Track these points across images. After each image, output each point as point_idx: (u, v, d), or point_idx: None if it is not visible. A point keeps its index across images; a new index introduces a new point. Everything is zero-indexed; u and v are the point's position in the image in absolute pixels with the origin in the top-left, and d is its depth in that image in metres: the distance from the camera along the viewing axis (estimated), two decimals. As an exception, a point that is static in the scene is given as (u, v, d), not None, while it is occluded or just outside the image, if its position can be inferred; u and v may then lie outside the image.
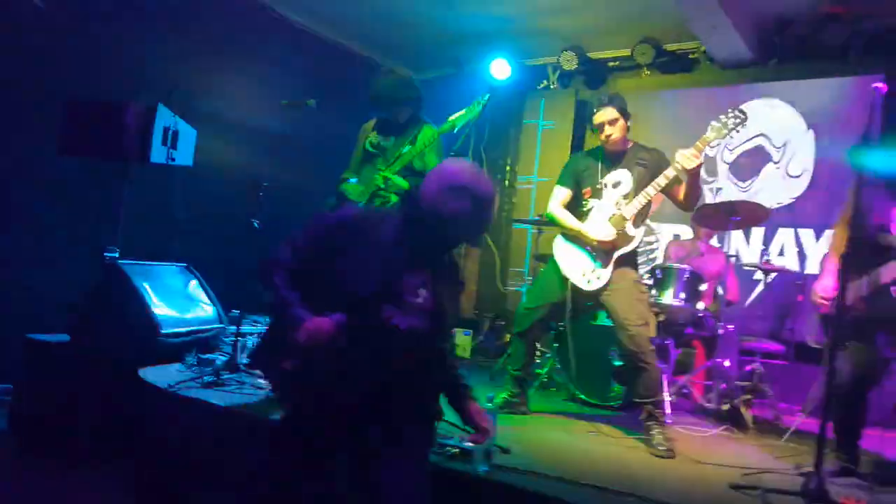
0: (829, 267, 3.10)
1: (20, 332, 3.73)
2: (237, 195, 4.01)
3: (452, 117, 3.68)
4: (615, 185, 3.55)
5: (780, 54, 5.45)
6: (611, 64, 6.34)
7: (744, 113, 3.37)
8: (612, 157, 3.60)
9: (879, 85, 2.50)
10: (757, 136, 5.59)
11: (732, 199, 4.49)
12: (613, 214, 3.47)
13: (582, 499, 2.37)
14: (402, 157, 3.77)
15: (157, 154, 3.83)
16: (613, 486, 2.49)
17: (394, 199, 3.75)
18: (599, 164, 3.62)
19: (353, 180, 3.91)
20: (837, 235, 3.19)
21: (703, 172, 5.66)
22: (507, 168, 6.99)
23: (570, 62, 6.22)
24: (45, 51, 4.19)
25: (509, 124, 6.93)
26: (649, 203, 3.45)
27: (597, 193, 3.58)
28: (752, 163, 5.59)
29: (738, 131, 3.40)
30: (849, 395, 2.88)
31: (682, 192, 3.45)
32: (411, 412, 2.13)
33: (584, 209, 3.61)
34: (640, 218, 3.50)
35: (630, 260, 3.51)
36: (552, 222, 3.76)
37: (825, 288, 3.06)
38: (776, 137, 5.51)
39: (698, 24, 5.12)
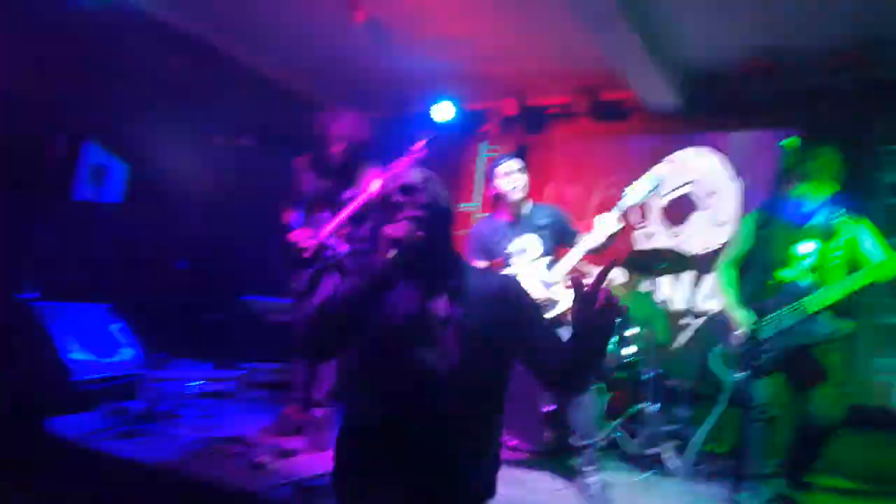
0: (734, 302, 3.39)
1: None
2: (169, 235, 3.93)
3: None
4: (521, 253, 3.60)
5: (709, 106, 5.67)
6: (549, 111, 6.49)
7: (658, 179, 3.51)
8: (514, 224, 3.64)
9: (790, 139, 2.64)
10: (687, 183, 5.78)
11: (659, 247, 4.59)
12: (539, 280, 3.51)
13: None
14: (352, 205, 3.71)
15: (82, 190, 3.72)
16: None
17: None
18: (502, 233, 3.65)
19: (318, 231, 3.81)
20: (727, 277, 3.49)
21: (637, 216, 5.85)
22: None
23: (510, 108, 6.34)
24: None
25: (451, 168, 6.99)
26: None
27: (507, 263, 3.65)
28: (682, 209, 5.75)
29: (653, 195, 3.55)
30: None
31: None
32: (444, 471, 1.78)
33: None
34: (566, 282, 3.56)
35: (559, 322, 3.54)
36: None
37: (742, 322, 3.30)
38: (704, 186, 5.70)
39: (631, 76, 5.29)
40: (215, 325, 5.41)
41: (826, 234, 3.16)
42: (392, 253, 1.72)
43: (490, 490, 1.91)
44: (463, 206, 6.83)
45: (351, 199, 3.66)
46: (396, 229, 1.75)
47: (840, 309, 3.08)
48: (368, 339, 1.83)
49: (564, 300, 3.48)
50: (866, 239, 3.12)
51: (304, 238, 3.73)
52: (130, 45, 4.86)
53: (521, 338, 1.88)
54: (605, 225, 3.34)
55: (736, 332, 3.32)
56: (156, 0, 5.07)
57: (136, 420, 3.34)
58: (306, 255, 3.68)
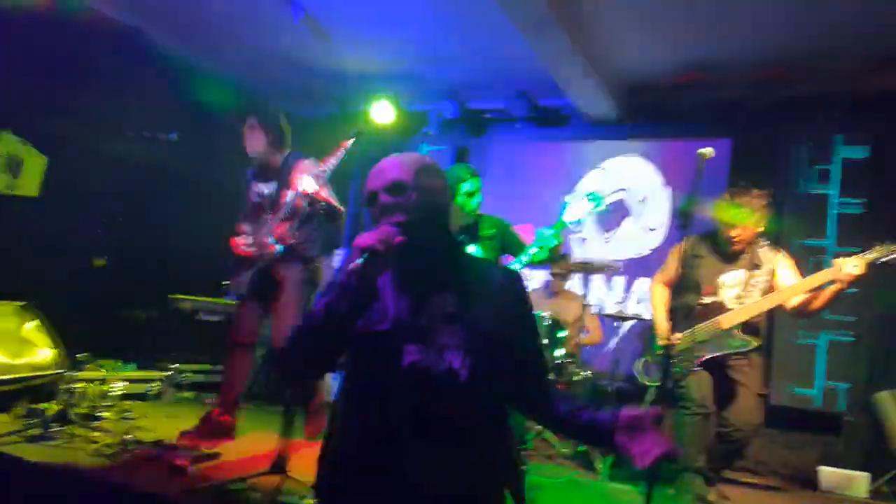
0: (662, 317, 3.60)
1: None
2: (89, 229, 3.77)
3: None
4: None
5: (642, 115, 5.84)
6: (489, 115, 6.55)
7: (600, 198, 3.57)
8: (457, 233, 3.67)
9: (705, 149, 2.74)
10: (619, 190, 5.93)
11: (587, 259, 4.67)
12: None
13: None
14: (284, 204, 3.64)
15: (-6, 183, 3.54)
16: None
17: None
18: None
19: (258, 233, 3.74)
20: (657, 294, 3.68)
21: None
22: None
23: (449, 111, 6.38)
24: None
25: (391, 167, 6.97)
26: None
27: None
28: (614, 215, 5.90)
29: (590, 214, 3.60)
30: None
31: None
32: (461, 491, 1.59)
33: None
34: None
35: None
36: None
37: (666, 331, 3.50)
38: (636, 193, 5.87)
39: (567, 84, 5.40)
40: (140, 324, 5.24)
41: (750, 265, 3.42)
42: (356, 263, 1.56)
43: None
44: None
45: (287, 199, 3.61)
46: (365, 238, 1.57)
47: (750, 327, 3.37)
48: (358, 352, 1.67)
49: None
50: (783, 269, 3.40)
51: (243, 240, 3.73)
52: (53, 35, 4.67)
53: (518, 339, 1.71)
54: (545, 238, 3.41)
55: (658, 343, 3.56)
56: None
57: (50, 422, 3.18)
58: (246, 255, 3.69)
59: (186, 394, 4.89)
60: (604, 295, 5.82)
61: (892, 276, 4.54)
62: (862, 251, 3.14)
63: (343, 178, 6.51)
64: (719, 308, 3.42)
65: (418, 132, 6.87)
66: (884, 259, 3.27)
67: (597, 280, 5.82)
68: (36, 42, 4.58)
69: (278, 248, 3.62)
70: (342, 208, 3.66)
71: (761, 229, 3.46)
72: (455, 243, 1.82)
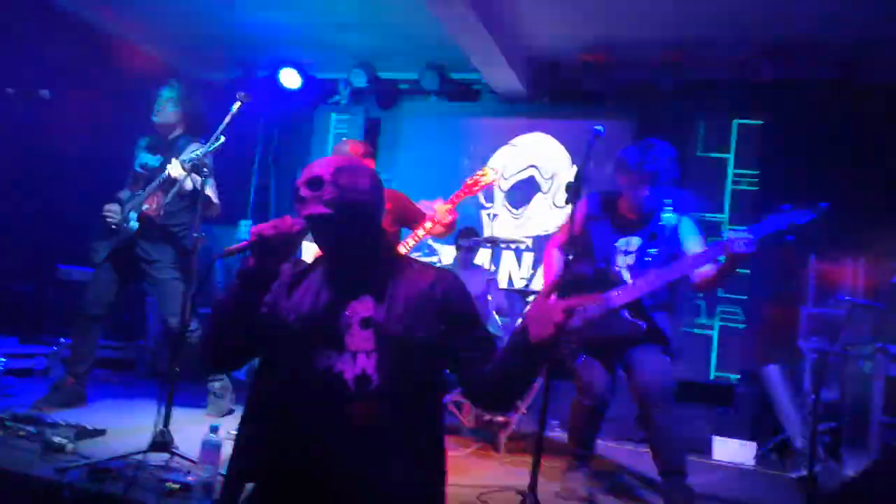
0: (545, 290, 3.22)
1: None
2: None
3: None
4: None
5: (550, 94, 5.90)
6: (401, 86, 6.45)
7: (495, 171, 3.64)
8: None
9: (598, 128, 2.76)
10: (529, 167, 5.99)
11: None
12: None
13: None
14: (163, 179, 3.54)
15: None
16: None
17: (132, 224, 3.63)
18: None
19: (125, 206, 3.66)
20: (551, 258, 3.31)
21: (481, 198, 5.99)
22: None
23: (359, 80, 6.22)
24: None
25: (300, 136, 6.77)
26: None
27: None
28: (524, 192, 5.96)
29: (490, 189, 3.58)
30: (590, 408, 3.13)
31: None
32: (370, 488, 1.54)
33: None
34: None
35: None
36: None
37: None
38: (545, 169, 5.95)
39: (476, 58, 5.37)
40: (23, 297, 4.91)
41: (648, 230, 3.10)
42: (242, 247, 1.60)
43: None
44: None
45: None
46: (260, 226, 1.59)
47: (639, 307, 3.02)
48: (272, 347, 1.66)
49: None
50: (688, 236, 3.06)
51: (113, 208, 3.66)
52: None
53: (451, 345, 1.67)
54: (441, 214, 3.42)
55: None
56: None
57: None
58: (110, 225, 3.66)
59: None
60: (513, 270, 5.89)
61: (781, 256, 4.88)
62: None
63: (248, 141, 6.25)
64: (614, 280, 3.12)
65: (327, 101, 6.69)
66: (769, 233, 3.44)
67: (507, 256, 5.88)
68: None
69: (132, 224, 3.60)
70: (216, 200, 3.63)
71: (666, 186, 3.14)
72: (380, 244, 1.76)
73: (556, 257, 3.31)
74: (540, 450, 2.54)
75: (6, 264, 4.62)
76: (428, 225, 3.48)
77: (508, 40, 5.17)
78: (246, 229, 6.58)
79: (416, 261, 1.82)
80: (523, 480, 2.66)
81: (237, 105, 3.02)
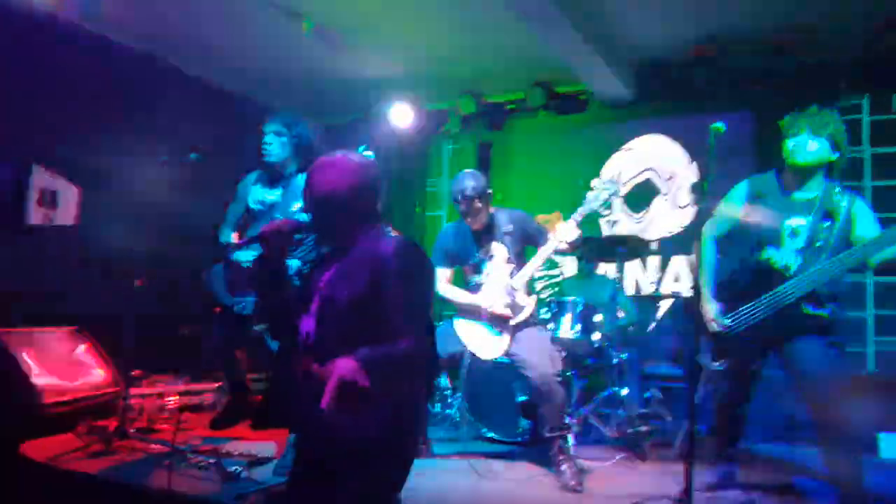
0: (707, 289, 3.01)
1: None
2: (126, 253, 3.91)
3: None
4: (490, 258, 3.68)
5: (658, 94, 5.79)
6: (508, 107, 6.57)
7: (615, 183, 3.57)
8: (478, 231, 3.72)
9: (717, 125, 2.71)
10: (646, 170, 5.89)
11: (617, 234, 4.65)
12: (504, 286, 3.58)
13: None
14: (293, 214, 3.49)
15: (34, 215, 3.70)
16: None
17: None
18: (470, 239, 3.73)
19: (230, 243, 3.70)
20: (707, 250, 3.09)
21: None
22: (417, 210, 7.08)
23: (468, 106, 6.41)
24: None
25: (414, 168, 7.05)
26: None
27: (476, 269, 3.73)
28: (643, 195, 5.87)
29: (611, 201, 3.58)
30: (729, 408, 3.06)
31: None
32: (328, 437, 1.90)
33: (473, 283, 3.75)
34: (529, 286, 3.65)
35: (526, 325, 3.61)
36: (445, 301, 3.84)
37: (713, 318, 2.97)
38: (663, 171, 5.83)
39: (580, 70, 5.39)
40: (190, 339, 5.36)
41: (819, 211, 2.86)
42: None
43: (371, 438, 1.89)
44: (429, 214, 6.91)
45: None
46: (264, 227, 2.10)
47: (821, 297, 2.81)
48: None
49: (528, 306, 3.58)
50: (863, 218, 2.86)
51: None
52: (74, 64, 4.83)
53: (374, 306, 1.91)
54: (565, 232, 3.45)
55: (708, 325, 3.02)
56: (99, 18, 5.06)
57: (110, 438, 3.32)
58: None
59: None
60: (639, 276, 5.79)
61: None
62: None
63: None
64: (778, 270, 2.87)
65: (438, 130, 6.92)
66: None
67: (631, 263, 5.77)
68: (55, 75, 4.74)
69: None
70: None
71: (833, 159, 2.94)
72: (356, 223, 2.06)
73: (712, 249, 3.11)
74: (692, 455, 2.50)
75: (176, 310, 5.13)
76: (552, 244, 3.53)
77: (610, 47, 5.15)
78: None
79: (391, 236, 2.04)
80: (673, 488, 2.64)
81: (363, 150, 3.23)
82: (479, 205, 3.59)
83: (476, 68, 5.96)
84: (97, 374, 3.99)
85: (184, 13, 5.04)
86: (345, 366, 1.73)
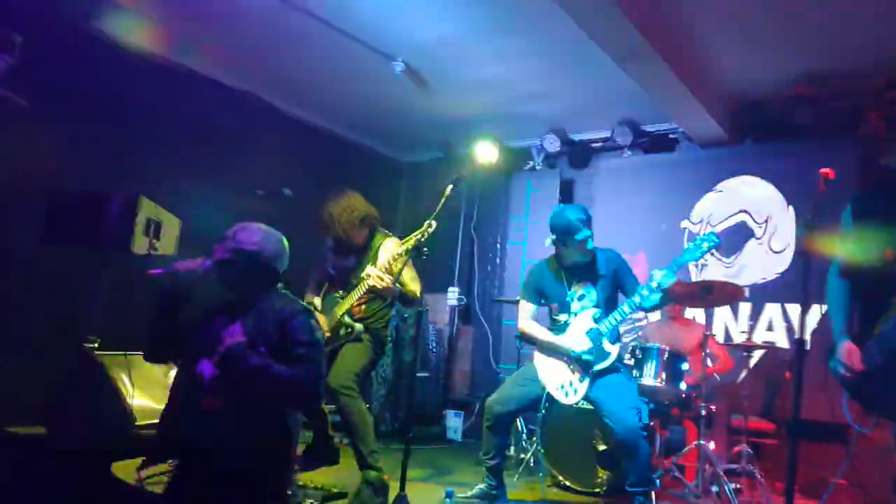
0: (840, 328, 2.62)
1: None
2: (217, 285, 4.06)
3: (408, 240, 3.33)
4: (580, 298, 3.58)
5: (754, 134, 5.58)
6: (593, 145, 6.50)
7: (717, 237, 3.38)
8: (572, 269, 3.62)
9: (826, 171, 2.56)
10: (739, 212, 5.66)
11: (705, 279, 4.45)
12: (590, 329, 3.49)
13: None
14: (361, 282, 3.51)
15: (139, 244, 3.91)
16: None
17: (358, 327, 3.57)
18: (562, 278, 3.64)
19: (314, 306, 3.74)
20: (834, 291, 2.74)
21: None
22: (498, 246, 7.07)
23: (552, 144, 6.39)
24: (27, 141, 4.26)
25: (498, 204, 7.06)
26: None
27: (564, 308, 3.62)
28: (735, 239, 5.62)
29: (711, 254, 3.42)
30: None
31: None
32: (225, 462, 2.24)
33: (559, 323, 3.64)
34: (615, 333, 3.52)
35: (609, 372, 3.49)
36: (526, 339, 3.77)
37: (849, 352, 2.51)
38: (757, 214, 5.57)
39: (671, 107, 5.28)
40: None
41: None
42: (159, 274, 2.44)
43: (260, 473, 2.34)
44: (510, 244, 6.87)
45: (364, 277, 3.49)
46: (182, 263, 2.45)
47: None
48: (182, 354, 2.47)
49: (613, 353, 3.47)
50: None
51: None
52: (175, 103, 5.14)
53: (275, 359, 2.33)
54: (660, 280, 3.31)
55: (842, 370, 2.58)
56: (204, 59, 5.39)
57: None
58: None
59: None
60: (729, 323, 5.53)
61: None
62: None
63: (454, 215, 6.58)
64: None
65: (522, 168, 6.92)
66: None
67: (721, 309, 5.53)
68: (159, 111, 5.05)
69: (358, 327, 3.57)
70: (417, 293, 3.57)
71: None
72: (261, 282, 2.49)
73: (841, 288, 2.73)
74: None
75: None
76: (627, 310, 3.41)
77: (705, 86, 5.03)
78: (453, 295, 6.93)
79: (288, 298, 2.53)
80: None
81: (450, 188, 3.25)
82: (583, 240, 3.50)
83: (562, 105, 5.95)
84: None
85: (282, 56, 5.31)
86: (234, 337, 2.27)
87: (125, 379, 3.77)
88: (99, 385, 3.68)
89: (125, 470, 3.33)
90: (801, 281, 2.59)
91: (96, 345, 3.85)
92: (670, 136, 6.09)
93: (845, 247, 2.74)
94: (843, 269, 2.73)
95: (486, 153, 6.50)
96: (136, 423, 3.65)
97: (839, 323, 2.64)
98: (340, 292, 3.66)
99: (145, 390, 3.84)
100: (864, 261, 2.60)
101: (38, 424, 3.73)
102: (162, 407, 3.86)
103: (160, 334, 2.46)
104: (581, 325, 3.53)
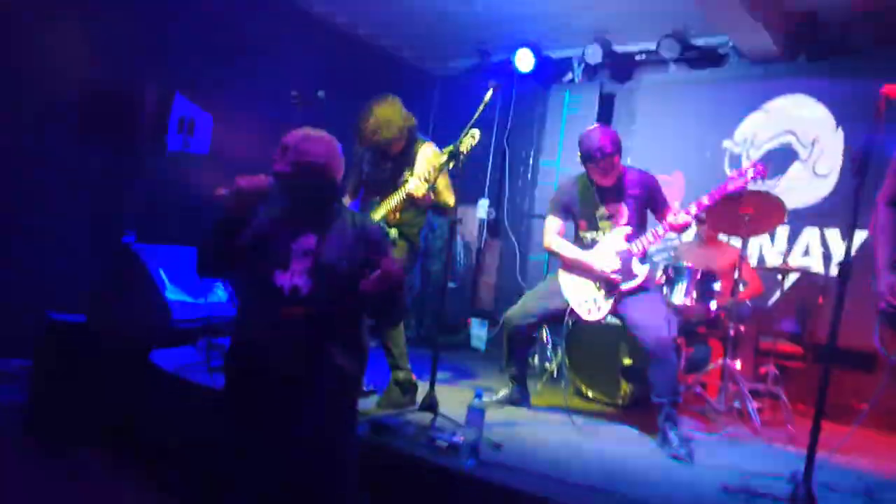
0: (882, 258, 2.60)
1: (40, 310, 3.85)
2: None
3: (448, 149, 3.33)
4: (609, 217, 3.51)
5: (809, 51, 5.28)
6: (637, 58, 6.22)
7: (765, 167, 3.32)
8: (603, 188, 3.54)
9: (888, 89, 2.41)
10: (785, 133, 5.44)
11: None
12: (620, 250, 3.44)
13: (567, 498, 2.37)
14: (398, 189, 3.46)
15: (174, 141, 3.90)
16: (601, 486, 2.48)
17: (393, 233, 3.53)
18: (593, 195, 3.56)
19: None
20: (881, 218, 2.70)
21: (725, 168, 5.61)
22: (530, 161, 6.95)
23: (594, 55, 6.12)
24: (62, 37, 4.19)
25: (533, 116, 6.88)
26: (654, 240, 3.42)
27: (593, 226, 3.56)
28: (778, 161, 5.44)
29: (755, 184, 3.30)
30: None
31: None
32: (314, 369, 2.19)
33: (586, 240, 3.60)
34: (645, 254, 3.47)
35: (637, 290, 3.45)
36: (552, 253, 3.72)
37: (891, 286, 2.52)
38: (804, 135, 5.36)
39: (724, 19, 4.99)
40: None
41: None
42: (224, 195, 2.24)
43: (350, 383, 2.35)
44: (543, 164, 6.74)
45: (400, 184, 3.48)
46: (243, 180, 2.21)
47: None
48: (245, 267, 2.29)
49: (641, 275, 3.43)
50: None
51: None
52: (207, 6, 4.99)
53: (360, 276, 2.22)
54: (684, 217, 3.26)
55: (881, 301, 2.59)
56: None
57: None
58: None
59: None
60: (765, 245, 5.44)
61: None
62: None
63: (486, 126, 6.47)
64: None
65: (560, 80, 6.69)
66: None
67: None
68: (192, 9, 4.91)
69: (392, 233, 3.53)
70: (451, 202, 3.54)
71: None
72: (328, 195, 2.34)
73: (888, 216, 2.69)
74: (816, 437, 2.33)
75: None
76: (661, 231, 3.35)
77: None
78: (483, 208, 6.89)
79: (353, 213, 2.42)
80: (783, 468, 2.51)
81: (489, 94, 3.15)
82: (607, 167, 3.43)
83: (606, 14, 5.66)
84: (219, 294, 4.23)
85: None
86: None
87: (161, 272, 3.85)
88: (137, 278, 3.76)
89: (164, 358, 3.47)
90: (848, 204, 2.49)
91: (133, 238, 3.91)
92: (719, 50, 5.79)
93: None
94: (892, 197, 2.66)
95: (524, 61, 6.29)
96: (173, 317, 3.75)
97: (885, 253, 2.58)
98: (377, 198, 3.61)
99: (181, 284, 3.93)
100: None
101: (80, 313, 3.85)
102: (199, 301, 4.01)
103: (220, 252, 2.29)
104: (611, 243, 3.49)
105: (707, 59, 5.87)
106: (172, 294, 3.81)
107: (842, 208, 5.14)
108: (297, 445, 2.18)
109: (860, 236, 4.86)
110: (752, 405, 3.86)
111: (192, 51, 4.90)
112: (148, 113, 3.78)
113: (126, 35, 4.56)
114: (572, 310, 3.53)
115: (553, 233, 3.67)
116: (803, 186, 5.33)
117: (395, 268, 2.11)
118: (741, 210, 3.96)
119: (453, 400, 3.23)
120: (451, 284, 6.38)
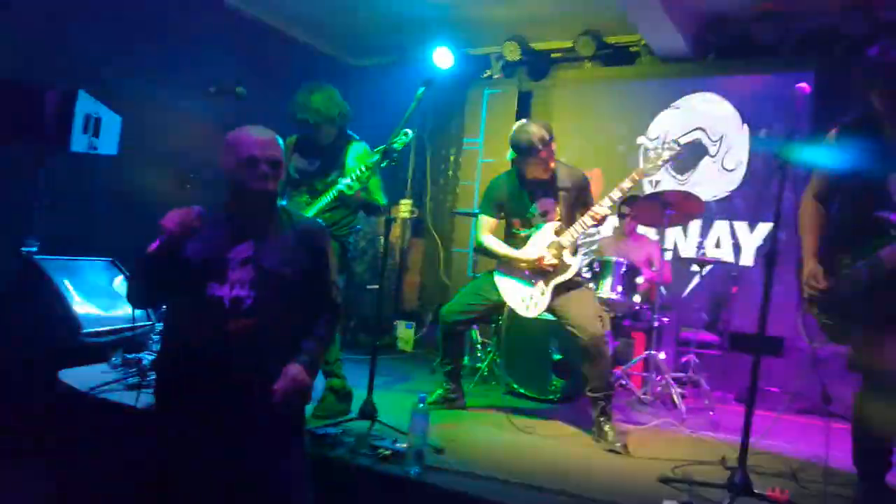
0: (808, 248, 2.63)
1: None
2: (164, 186, 3.84)
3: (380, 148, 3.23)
4: (542, 215, 3.54)
5: (716, 50, 5.54)
6: (554, 55, 6.34)
7: (679, 144, 3.37)
8: (534, 184, 3.56)
9: (802, 85, 2.52)
10: (695, 129, 5.68)
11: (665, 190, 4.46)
12: (551, 243, 3.47)
13: (514, 499, 2.36)
14: (328, 188, 3.34)
15: (78, 142, 3.62)
16: (545, 485, 2.48)
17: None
18: (524, 193, 3.58)
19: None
20: (807, 212, 2.71)
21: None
22: (451, 158, 6.94)
23: (512, 52, 6.18)
24: None
25: (452, 113, 6.87)
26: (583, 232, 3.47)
27: (526, 224, 3.59)
28: (689, 156, 5.67)
29: (672, 163, 3.40)
30: None
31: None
32: (257, 382, 2.05)
33: (520, 238, 3.61)
34: (575, 246, 3.52)
35: (570, 284, 3.50)
36: (485, 252, 3.72)
37: (814, 274, 2.55)
38: (713, 131, 5.61)
39: (638, 19, 5.15)
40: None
41: None
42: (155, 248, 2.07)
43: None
44: (464, 161, 6.74)
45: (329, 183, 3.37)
46: (168, 225, 2.06)
47: None
48: (180, 281, 2.12)
49: (574, 266, 3.48)
50: None
51: None
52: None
53: (306, 281, 2.19)
54: (606, 208, 3.33)
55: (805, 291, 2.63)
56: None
57: (146, 371, 3.31)
58: None
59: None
60: (680, 240, 5.66)
61: None
62: None
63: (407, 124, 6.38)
64: None
65: (479, 77, 6.71)
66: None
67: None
68: (97, 2, 4.59)
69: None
70: (384, 202, 3.47)
71: None
72: (266, 202, 2.21)
73: (814, 210, 2.70)
74: (749, 424, 2.42)
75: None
76: (589, 221, 3.40)
77: (674, -2, 4.90)
78: (406, 208, 6.81)
79: (289, 212, 2.29)
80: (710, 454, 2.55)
81: (421, 91, 3.09)
82: (545, 157, 3.44)
83: (523, 13, 5.72)
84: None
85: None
86: (295, 373, 2.05)
87: (68, 284, 3.57)
88: (41, 291, 3.47)
89: (75, 377, 3.21)
90: (753, 198, 2.61)
91: (35, 248, 3.60)
92: (632, 48, 5.98)
93: (826, 175, 2.68)
94: (817, 192, 2.71)
95: (442, 60, 6.26)
96: (83, 331, 3.49)
97: (811, 244, 2.64)
98: (305, 197, 3.48)
99: (90, 296, 3.66)
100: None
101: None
102: (110, 314, 3.75)
103: (153, 285, 2.14)
104: (542, 238, 3.52)
105: (621, 56, 6.05)
106: (81, 307, 3.54)
107: (748, 202, 5.43)
108: (242, 464, 2.05)
109: (766, 228, 5.18)
110: (678, 394, 4.00)
111: (98, 46, 4.56)
112: (49, 112, 3.48)
113: (23, 27, 4.19)
114: (507, 306, 3.56)
115: (486, 231, 3.66)
116: (713, 181, 5.59)
117: (303, 377, 2.06)
118: (665, 203, 4.11)
119: (389, 405, 3.17)
120: (372, 286, 6.27)
